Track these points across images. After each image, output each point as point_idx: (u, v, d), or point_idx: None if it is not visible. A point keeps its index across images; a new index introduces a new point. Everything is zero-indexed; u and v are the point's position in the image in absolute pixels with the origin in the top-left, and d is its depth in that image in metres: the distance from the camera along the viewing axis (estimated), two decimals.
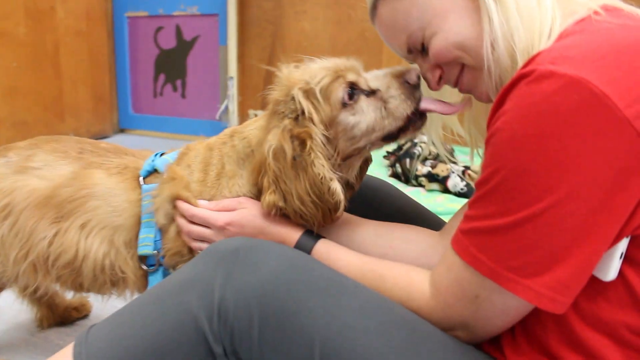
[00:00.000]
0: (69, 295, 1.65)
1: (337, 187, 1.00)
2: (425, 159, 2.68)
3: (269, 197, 1.03)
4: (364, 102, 1.02)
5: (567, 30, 0.80)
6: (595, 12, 0.79)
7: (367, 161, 1.19)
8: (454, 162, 2.54)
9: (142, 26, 4.28)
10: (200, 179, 1.13)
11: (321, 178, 0.99)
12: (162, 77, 4.32)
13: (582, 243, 0.71)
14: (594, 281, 0.75)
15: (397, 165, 2.67)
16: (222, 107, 4.02)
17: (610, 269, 0.74)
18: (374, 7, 0.97)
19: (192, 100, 4.26)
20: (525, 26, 0.84)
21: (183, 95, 4.28)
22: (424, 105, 1.02)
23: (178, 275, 0.90)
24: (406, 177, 2.61)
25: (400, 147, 2.81)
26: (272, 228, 1.06)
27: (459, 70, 0.96)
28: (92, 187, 1.14)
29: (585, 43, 0.73)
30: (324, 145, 1.00)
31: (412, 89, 1.01)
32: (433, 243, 1.13)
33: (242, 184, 1.11)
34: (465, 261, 0.79)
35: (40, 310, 1.61)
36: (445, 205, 2.39)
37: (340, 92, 1.01)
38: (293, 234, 1.06)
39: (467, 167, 2.53)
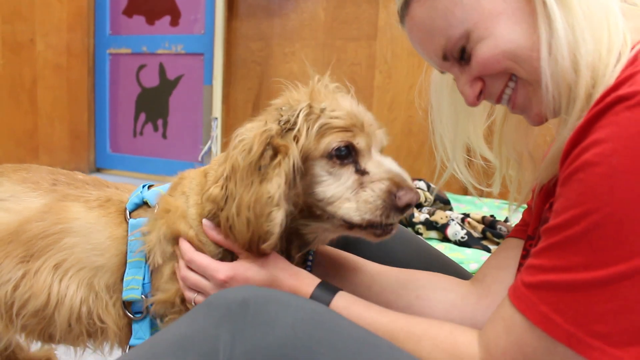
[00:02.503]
0: (34, 346, 1.45)
1: (278, 217, 0.86)
2: (421, 205, 2.56)
3: (214, 189, 0.91)
4: (345, 173, 0.91)
5: None
6: None
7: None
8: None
9: (124, 63, 4.18)
10: (197, 202, 0.99)
11: (269, 198, 0.85)
12: (142, 116, 4.20)
13: None
14: None
15: None
16: (205, 148, 3.89)
17: None
18: (406, 6, 0.85)
19: (174, 141, 4.13)
20: (593, 37, 0.72)
21: (164, 136, 4.15)
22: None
23: (173, 331, 0.74)
24: (403, 225, 2.48)
25: None
26: (283, 280, 0.91)
27: (505, 83, 0.83)
28: (69, 221, 0.99)
29: None
30: (293, 171, 0.87)
31: (392, 206, 0.88)
32: (465, 293, 1.00)
33: None
34: (532, 321, 0.65)
35: None
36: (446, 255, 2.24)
37: (334, 143, 0.89)
38: (306, 287, 0.91)
39: (466, 215, 2.41)
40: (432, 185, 2.69)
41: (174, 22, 4.01)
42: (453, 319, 0.85)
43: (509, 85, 0.84)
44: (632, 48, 0.72)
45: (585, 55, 0.72)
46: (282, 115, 0.91)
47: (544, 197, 0.88)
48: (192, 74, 4.00)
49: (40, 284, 0.97)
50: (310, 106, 0.91)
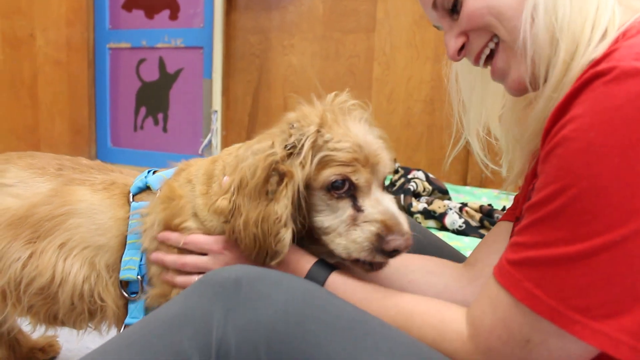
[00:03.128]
0: (35, 334, 1.47)
1: (286, 237, 0.87)
2: (420, 195, 2.58)
3: (221, 201, 0.91)
4: (342, 207, 0.91)
5: (637, 27, 0.69)
6: None
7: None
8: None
9: (124, 58, 4.18)
10: (203, 191, 1.00)
11: (276, 219, 0.86)
12: (143, 110, 4.20)
13: None
14: None
15: None
16: (205, 141, 3.90)
17: None
18: None
19: (174, 135, 4.14)
20: (576, 7, 0.73)
21: (164, 129, 4.16)
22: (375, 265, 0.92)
23: (167, 310, 0.75)
24: None
25: (393, 184, 2.72)
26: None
27: (485, 42, 0.85)
28: (74, 203, 1.01)
29: None
30: (297, 194, 0.88)
31: (379, 249, 0.88)
32: (457, 276, 1.01)
33: None
34: (516, 298, 0.66)
35: (0, 351, 1.41)
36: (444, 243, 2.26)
37: (333, 177, 0.89)
38: (304, 264, 0.93)
39: (464, 204, 2.43)
40: (431, 175, 2.71)
41: (173, 16, 4.01)
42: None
43: (488, 45, 0.86)
44: (620, 27, 0.72)
45: (562, 20, 0.73)
46: (290, 135, 0.91)
47: (531, 178, 0.89)
48: (191, 68, 4.00)
49: (45, 262, 0.99)
50: (317, 132, 0.90)
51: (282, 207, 0.86)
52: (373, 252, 0.88)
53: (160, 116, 4.16)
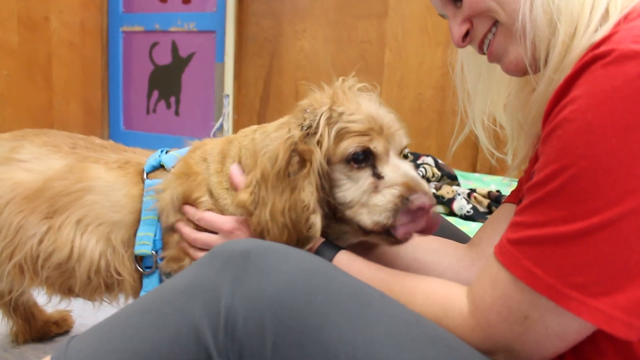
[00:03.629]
0: (49, 308, 1.52)
1: (316, 222, 0.89)
2: (428, 180, 2.60)
3: (243, 194, 0.93)
4: (362, 177, 0.92)
5: (638, 10, 0.70)
6: None
7: None
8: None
9: (137, 41, 4.21)
10: (218, 169, 1.03)
11: (304, 206, 0.88)
12: (155, 94, 4.23)
13: None
14: None
15: None
16: (217, 125, 3.93)
17: None
18: None
19: (186, 118, 4.17)
20: None
21: (177, 113, 4.19)
22: (399, 232, 0.90)
23: (178, 280, 0.77)
24: None
25: None
26: None
27: (488, 28, 0.87)
28: (90, 180, 1.04)
29: None
30: (319, 175, 0.89)
31: (403, 208, 0.88)
32: (461, 256, 1.03)
33: None
34: (516, 276, 0.68)
35: (16, 324, 1.47)
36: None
37: (351, 148, 0.90)
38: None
39: (472, 190, 2.45)
40: (440, 161, 2.73)
41: (186, 0, 4.02)
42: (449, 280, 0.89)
43: (491, 30, 0.87)
44: (623, 10, 0.73)
45: (559, 2, 0.75)
46: (305, 119, 0.93)
47: (534, 162, 0.90)
48: (204, 52, 4.02)
49: (63, 238, 1.02)
50: (331, 109, 0.92)
51: (308, 194, 0.88)
52: (398, 214, 0.88)
53: (172, 99, 4.19)
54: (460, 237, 1.18)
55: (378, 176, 0.91)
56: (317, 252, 0.94)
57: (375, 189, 0.90)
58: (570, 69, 0.68)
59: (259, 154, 0.95)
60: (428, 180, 2.61)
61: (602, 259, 0.62)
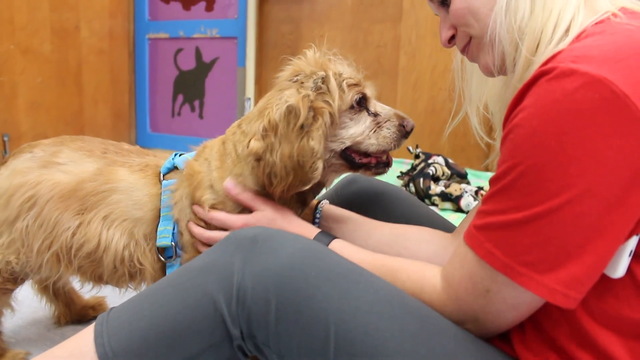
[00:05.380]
0: (87, 295, 1.68)
1: (319, 167, 1.07)
2: (438, 179, 2.69)
3: (254, 142, 1.09)
4: (363, 115, 1.14)
5: (587, 31, 0.80)
6: (614, 15, 0.80)
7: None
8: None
9: (163, 48, 4.35)
10: (218, 165, 1.17)
11: (313, 152, 1.06)
12: (180, 98, 4.37)
13: (596, 240, 0.71)
14: (603, 278, 0.76)
15: (411, 184, 2.69)
16: None
17: (619, 266, 0.75)
18: None
19: (210, 121, 4.30)
20: (538, 7, 0.84)
21: (200, 116, 4.32)
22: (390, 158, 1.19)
23: (197, 261, 0.92)
24: (420, 197, 2.63)
25: (414, 168, 2.83)
26: (289, 229, 1.09)
27: (467, 41, 0.98)
28: (116, 182, 1.18)
29: (607, 44, 0.73)
30: (327, 128, 1.08)
31: (402, 134, 1.15)
32: (446, 244, 1.15)
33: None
34: (479, 256, 0.79)
35: (58, 308, 1.64)
36: (458, 224, 2.35)
37: (356, 96, 1.12)
38: (309, 234, 1.09)
39: (480, 188, 2.53)
40: (450, 161, 2.81)
41: (209, 8, 4.14)
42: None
43: (470, 42, 0.98)
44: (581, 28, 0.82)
45: (521, 22, 0.84)
46: (306, 82, 1.10)
47: None
48: (226, 57, 4.13)
49: (92, 232, 1.16)
50: (334, 73, 1.11)
51: (318, 142, 1.06)
52: (398, 138, 1.15)
53: (196, 103, 4.32)
54: (447, 227, 1.30)
55: (374, 114, 1.15)
56: (315, 238, 1.08)
57: (377, 124, 1.14)
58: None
59: (263, 113, 1.10)
60: (438, 179, 2.69)
61: (546, 241, 0.72)
